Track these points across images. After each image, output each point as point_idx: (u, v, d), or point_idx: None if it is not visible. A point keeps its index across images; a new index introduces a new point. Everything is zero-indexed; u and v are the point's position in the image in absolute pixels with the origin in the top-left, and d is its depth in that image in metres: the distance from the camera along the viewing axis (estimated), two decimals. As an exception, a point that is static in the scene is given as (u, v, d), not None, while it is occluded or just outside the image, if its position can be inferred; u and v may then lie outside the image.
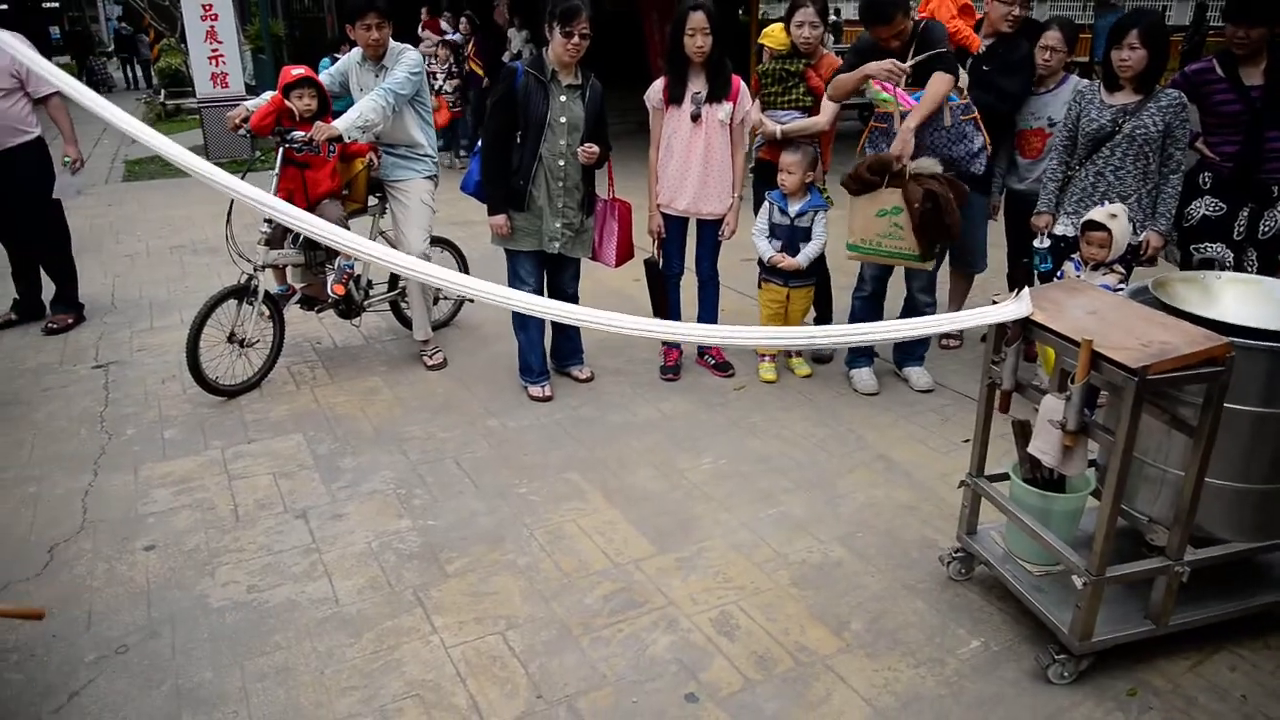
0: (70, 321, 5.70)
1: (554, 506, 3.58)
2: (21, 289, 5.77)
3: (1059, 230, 4.21)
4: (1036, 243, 4.26)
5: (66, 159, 5.55)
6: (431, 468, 3.87)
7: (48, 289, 5.80)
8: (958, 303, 5.09)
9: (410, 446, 4.06)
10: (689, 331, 3.09)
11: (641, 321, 2.84)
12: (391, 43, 4.63)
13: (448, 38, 11.25)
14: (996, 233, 5.04)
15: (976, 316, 2.77)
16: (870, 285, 4.49)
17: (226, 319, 4.44)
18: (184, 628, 2.92)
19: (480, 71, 11.11)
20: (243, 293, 4.43)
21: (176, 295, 6.23)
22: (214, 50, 11.84)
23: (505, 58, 12.89)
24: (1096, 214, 3.82)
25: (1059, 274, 4.06)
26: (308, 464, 3.92)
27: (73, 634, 2.91)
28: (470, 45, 11.24)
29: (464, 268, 5.54)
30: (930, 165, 4.03)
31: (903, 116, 4.05)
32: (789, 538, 3.37)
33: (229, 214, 4.43)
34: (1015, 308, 2.65)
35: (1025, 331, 2.68)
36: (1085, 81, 4.40)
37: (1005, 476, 2.95)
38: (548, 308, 2.99)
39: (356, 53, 4.69)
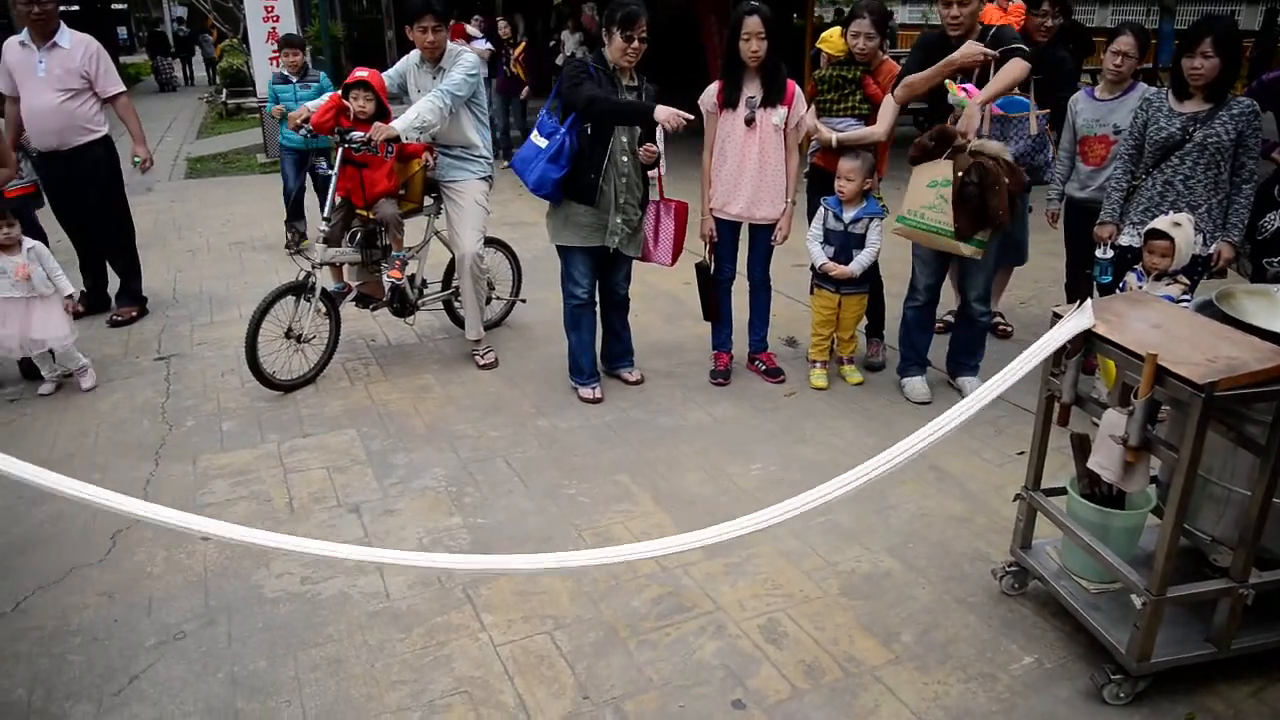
0: (134, 314, 5.85)
1: (603, 508, 3.59)
2: (89, 282, 5.94)
3: (1123, 241, 4.12)
4: (1099, 253, 4.18)
5: (136, 158, 5.70)
6: (482, 466, 3.91)
7: (113, 283, 5.96)
8: (995, 296, 5.02)
9: (461, 445, 4.10)
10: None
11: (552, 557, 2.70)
12: (449, 45, 4.69)
13: (476, 45, 10.50)
14: (1054, 241, 4.96)
15: (1033, 353, 2.65)
16: (924, 295, 4.44)
17: (284, 315, 4.52)
18: (239, 617, 2.98)
19: (523, 76, 11.04)
20: (300, 289, 4.51)
21: (235, 290, 6.35)
22: (275, 51, 12.08)
23: (558, 60, 12.97)
24: (1160, 223, 3.74)
25: (1120, 285, 3.98)
26: (361, 459, 3.98)
27: (133, 619, 2.99)
28: (518, 50, 11.19)
29: (517, 269, 5.58)
30: (998, 148, 3.94)
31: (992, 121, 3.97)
32: (838, 546, 3.34)
33: (287, 215, 4.52)
34: (1077, 320, 2.60)
35: (1086, 344, 2.63)
36: (1153, 89, 4.31)
37: (1062, 491, 2.89)
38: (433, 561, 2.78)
39: (415, 54, 4.76)
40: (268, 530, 3.41)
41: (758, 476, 3.83)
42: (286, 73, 7.10)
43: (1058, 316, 2.69)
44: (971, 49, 3.93)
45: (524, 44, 11.46)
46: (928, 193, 4.05)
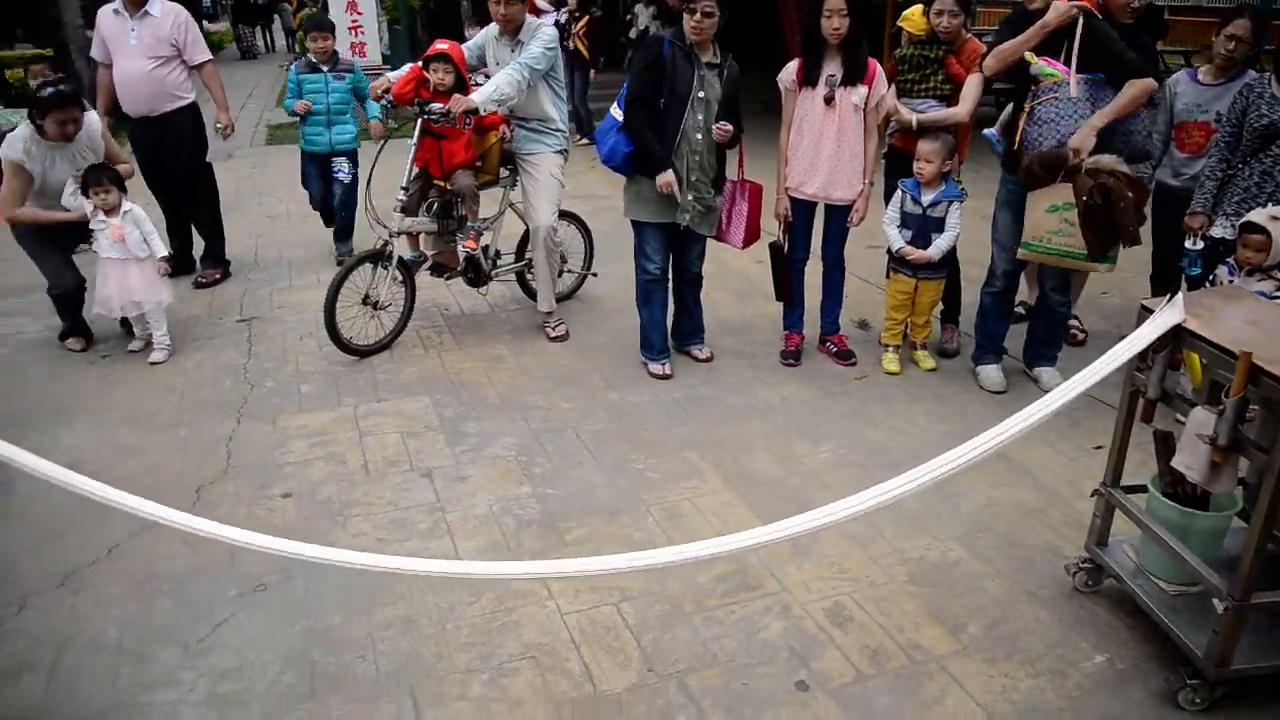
0: (217, 277, 6.02)
1: (671, 484, 3.61)
2: (175, 244, 6.12)
3: (1216, 232, 3.99)
4: (1189, 244, 4.05)
5: (219, 124, 5.84)
6: (552, 437, 3.96)
7: (198, 246, 6.13)
8: (1078, 286, 4.87)
9: (532, 415, 4.15)
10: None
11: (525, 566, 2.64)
12: (528, 18, 4.70)
13: (547, 18, 10.29)
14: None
15: (1122, 349, 2.58)
16: (1001, 281, 4.36)
17: (362, 282, 4.62)
18: (316, 573, 3.07)
19: (585, 51, 10.85)
20: (378, 257, 4.59)
21: (314, 256, 6.49)
22: (354, 20, 12.26)
23: (631, 35, 12.84)
24: (1256, 215, 3.60)
25: (1210, 279, 3.86)
26: (434, 425, 4.06)
27: (217, 570, 3.10)
28: (580, 24, 11.02)
29: (589, 242, 5.61)
30: (1111, 161, 3.81)
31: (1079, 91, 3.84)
32: (906, 533, 3.32)
33: (368, 181, 4.61)
34: (1168, 315, 2.53)
35: (1175, 339, 2.56)
36: (1255, 74, 4.14)
37: (1143, 488, 2.83)
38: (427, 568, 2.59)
39: (493, 27, 4.78)
40: (344, 490, 3.54)
41: (826, 459, 3.82)
42: (315, 59, 6.02)
43: (1146, 310, 2.62)
44: (1064, 8, 3.81)
45: (587, 19, 11.31)
46: (1049, 218, 3.93)
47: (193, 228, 6.14)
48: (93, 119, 4.80)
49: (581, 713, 2.51)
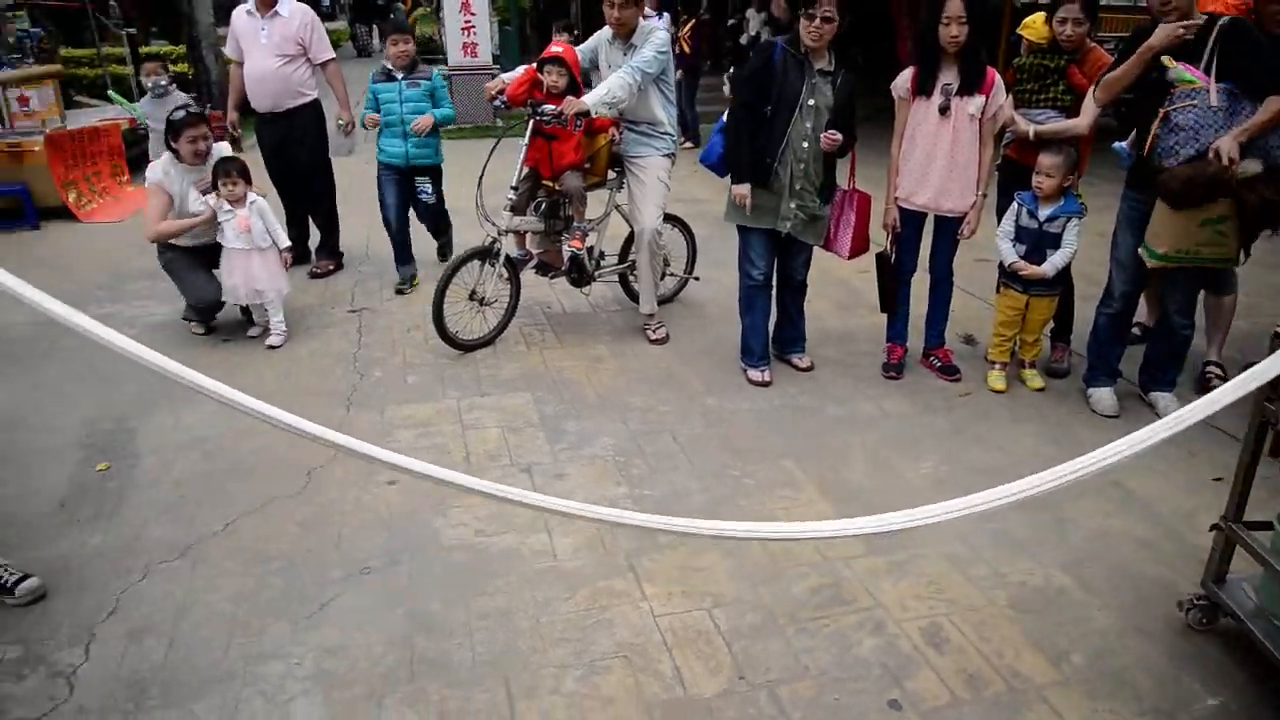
0: (331, 268, 6.25)
1: (767, 492, 3.60)
2: (292, 234, 6.37)
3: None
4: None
5: (340, 121, 6.06)
6: (650, 439, 3.98)
7: (313, 238, 6.38)
8: (1223, 328, 4.62)
9: (631, 417, 4.19)
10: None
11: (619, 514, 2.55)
12: (641, 21, 4.73)
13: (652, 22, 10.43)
14: (1269, 251, 4.59)
15: (1251, 377, 2.45)
16: (1120, 302, 4.20)
17: (470, 278, 4.73)
18: (419, 560, 3.17)
19: (688, 50, 10.83)
20: (486, 254, 4.70)
21: (421, 251, 6.65)
22: (467, 21, 12.52)
23: (742, 40, 12.84)
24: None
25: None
26: (534, 422, 4.13)
27: (324, 551, 3.22)
28: (686, 27, 11.04)
29: (692, 246, 5.62)
30: (1252, 167, 3.66)
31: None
32: (1008, 557, 3.23)
33: (480, 180, 4.72)
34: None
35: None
36: None
37: (1268, 525, 2.70)
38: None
39: (607, 30, 4.83)
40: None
41: (927, 476, 3.75)
42: (391, 66, 5.67)
43: (1279, 337, 2.50)
44: (1169, 29, 3.65)
45: (693, 21, 11.33)
46: (1200, 231, 3.75)
47: (310, 220, 6.38)
48: (221, 148, 5.04)
49: (672, 715, 2.52)
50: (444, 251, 6.43)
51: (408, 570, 3.12)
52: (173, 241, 4.97)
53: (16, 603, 2.93)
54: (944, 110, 4.11)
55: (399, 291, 5.88)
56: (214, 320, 5.21)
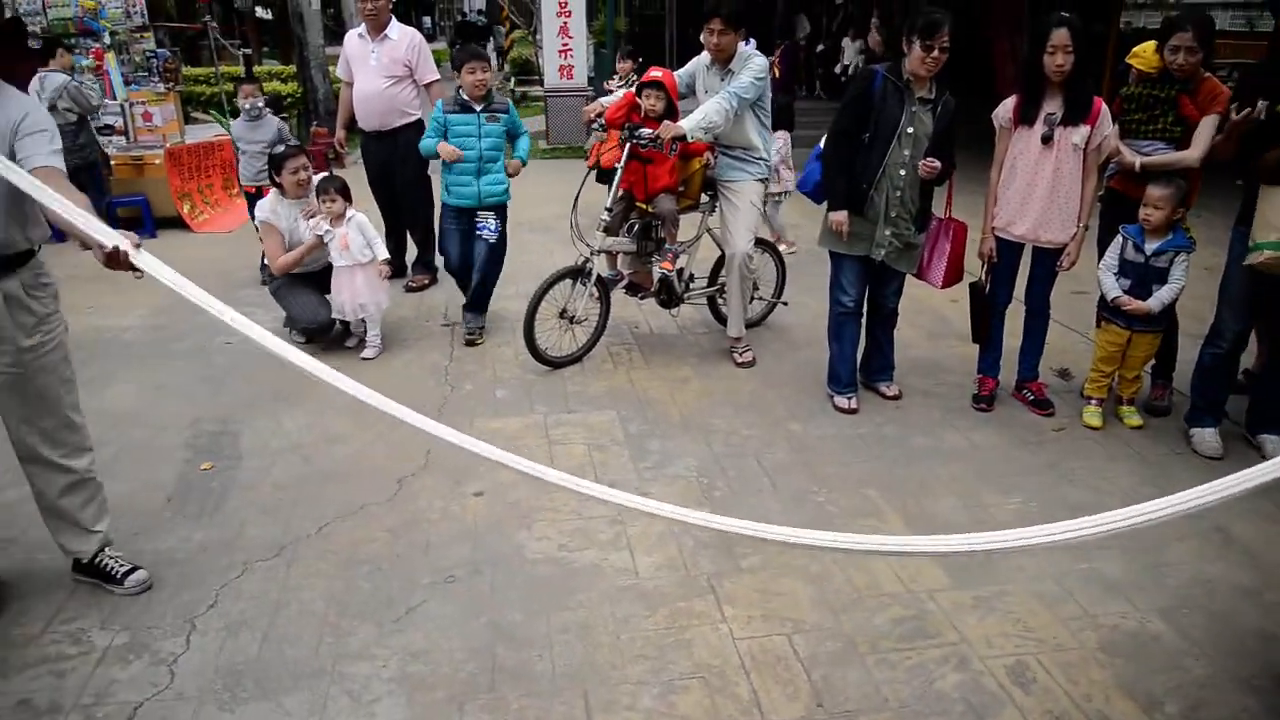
0: (426, 282, 6.44)
1: (850, 520, 3.57)
2: (391, 249, 6.58)
3: None
4: None
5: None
6: (733, 462, 3.99)
7: (410, 253, 6.58)
8: None
9: (714, 439, 4.20)
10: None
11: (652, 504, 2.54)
12: (740, 47, 4.77)
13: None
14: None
15: None
16: (1229, 342, 4.04)
17: (561, 296, 4.82)
18: (502, 571, 3.23)
19: (778, 74, 10.87)
20: (578, 274, 4.78)
21: (513, 269, 6.74)
22: (564, 44, 12.77)
23: (836, 70, 12.83)
24: None
25: None
26: (619, 440, 4.18)
27: (412, 557, 3.31)
28: (776, 52, 11.12)
29: (782, 271, 5.62)
30: None
31: None
32: (1100, 599, 3.14)
33: (575, 201, 4.81)
34: None
35: None
36: None
37: (1384, 578, 2.57)
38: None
39: (705, 55, 4.89)
40: (531, 494, 3.69)
41: (1016, 511, 3.67)
42: (467, 96, 5.07)
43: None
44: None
45: (780, 46, 11.40)
46: None
47: (408, 235, 6.58)
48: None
49: (748, 739, 2.52)
50: (477, 303, 5.43)
51: (491, 581, 3.18)
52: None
53: (125, 593, 3.09)
54: (1047, 140, 4.03)
55: (470, 343, 5.32)
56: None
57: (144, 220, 8.05)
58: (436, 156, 5.11)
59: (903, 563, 3.29)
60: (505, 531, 3.47)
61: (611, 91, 6.78)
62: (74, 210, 2.46)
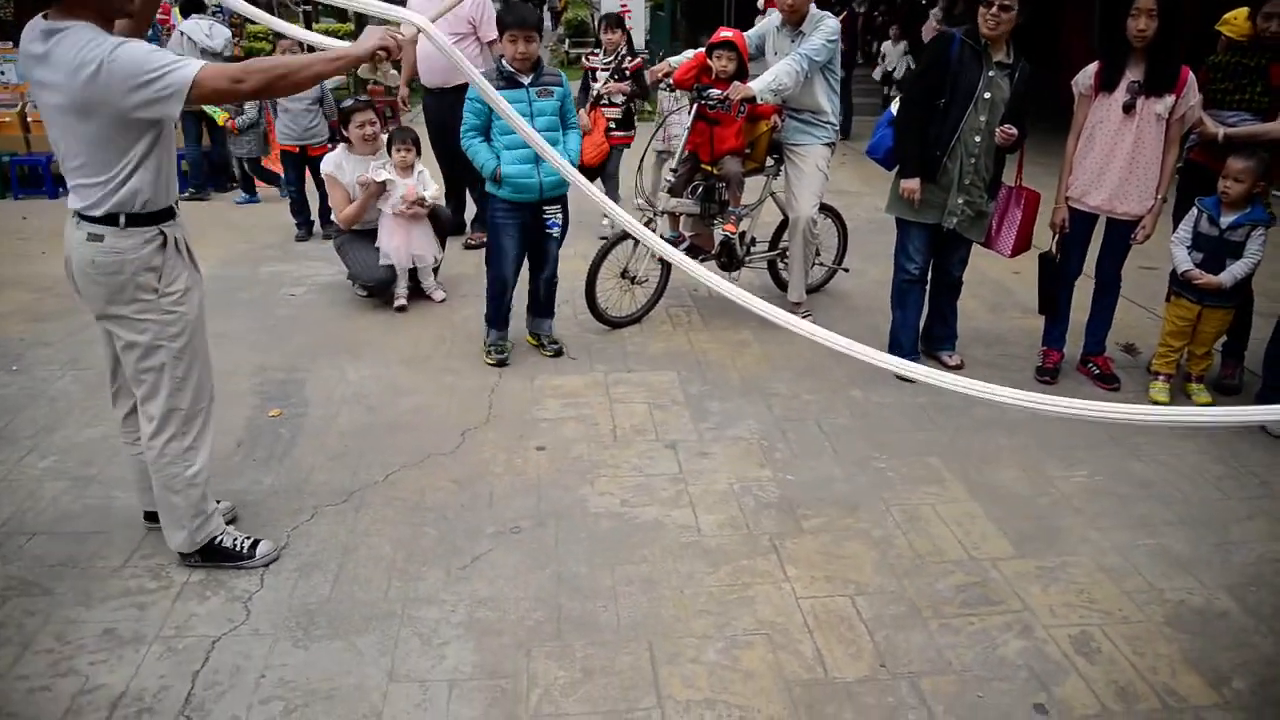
0: (485, 239, 6.45)
1: (911, 487, 3.56)
2: (451, 207, 6.63)
3: None
4: None
5: None
6: (794, 426, 3.99)
7: (470, 212, 6.62)
8: None
9: (774, 402, 4.20)
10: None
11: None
12: (811, 9, 4.71)
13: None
14: None
15: None
16: (1307, 316, 3.96)
17: (623, 256, 4.82)
18: (566, 524, 3.28)
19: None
20: (641, 234, 4.77)
21: (573, 230, 6.80)
22: (623, 5, 12.65)
23: (876, 75, 12.33)
24: None
25: None
26: (679, 400, 4.20)
27: (477, 508, 3.37)
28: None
29: (844, 237, 5.57)
30: None
31: None
32: (1166, 573, 3.10)
33: (641, 161, 4.80)
34: None
35: None
36: None
37: None
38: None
39: (775, 16, 4.84)
40: (593, 450, 3.73)
41: (1081, 484, 3.63)
42: (512, 68, 4.22)
43: None
44: None
45: (844, 14, 11.15)
46: None
47: (467, 193, 6.61)
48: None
49: (811, 695, 2.54)
50: (545, 309, 4.70)
51: (555, 533, 3.22)
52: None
53: (255, 565, 3.02)
54: (1128, 109, 3.94)
55: (499, 362, 4.51)
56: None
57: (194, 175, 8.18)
58: (495, 179, 4.31)
59: (966, 530, 3.28)
60: (568, 486, 3.51)
61: (596, 71, 6.48)
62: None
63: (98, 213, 2.62)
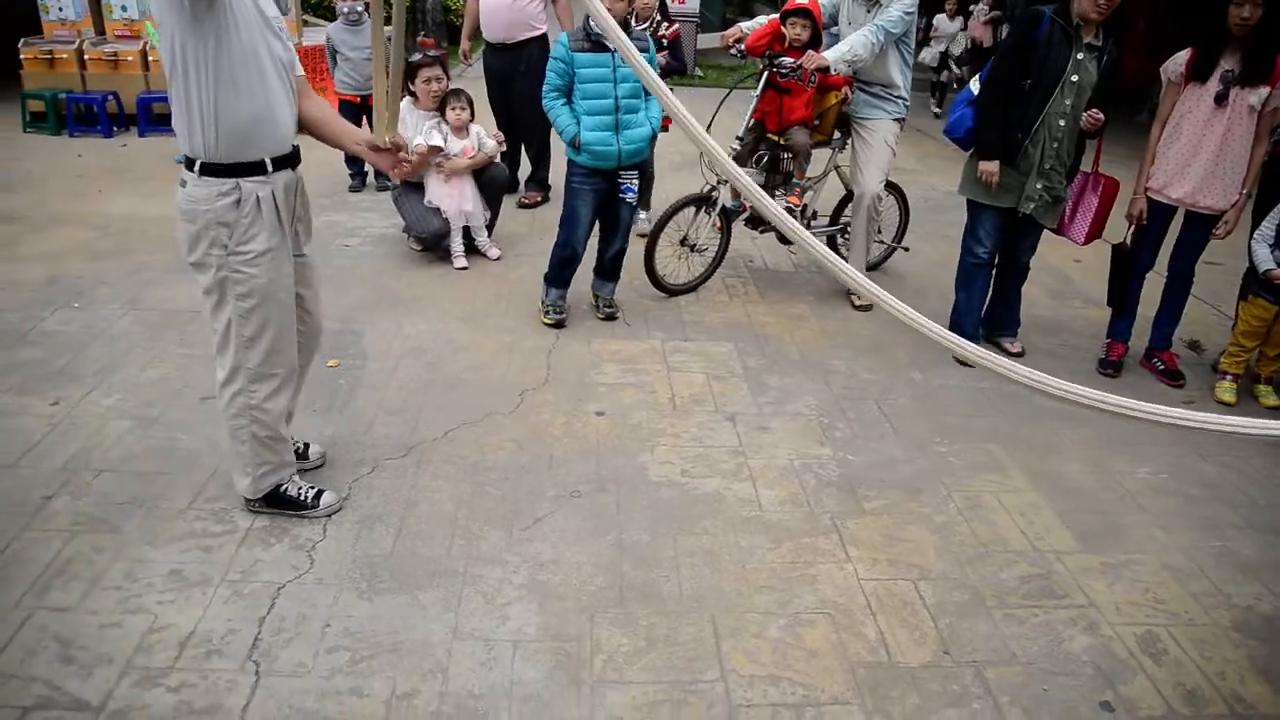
0: (538, 199, 6.43)
1: (973, 473, 3.52)
2: (506, 164, 6.58)
3: None
4: None
5: None
6: (854, 404, 3.95)
7: (523, 170, 6.57)
8: None
9: (834, 379, 4.16)
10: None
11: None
12: (888, -22, 4.59)
13: None
14: None
15: None
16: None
17: (683, 223, 4.77)
18: (626, 491, 3.27)
19: None
20: (703, 202, 4.72)
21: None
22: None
23: (927, 58, 11.44)
24: None
25: None
26: (737, 372, 4.16)
27: (538, 470, 3.37)
28: None
29: (905, 215, 5.49)
30: None
31: None
32: (1234, 578, 3.06)
33: (707, 127, 4.71)
34: None
35: None
36: None
37: None
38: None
39: (851, -15, 4.72)
40: (652, 418, 3.71)
41: (1145, 481, 3.58)
42: (596, 30, 4.07)
43: None
44: None
45: None
46: None
47: (522, 150, 6.57)
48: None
49: (876, 677, 2.53)
50: (611, 272, 4.66)
51: (615, 499, 3.22)
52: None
53: (317, 516, 3.04)
54: (1220, 99, 3.82)
55: (556, 323, 4.49)
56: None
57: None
58: (574, 145, 4.24)
59: (1030, 521, 3.25)
60: (628, 452, 3.50)
61: None
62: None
63: (179, 156, 2.60)
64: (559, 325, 4.49)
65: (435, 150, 5.07)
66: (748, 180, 2.24)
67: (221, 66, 2.44)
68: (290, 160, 2.71)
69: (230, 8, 2.41)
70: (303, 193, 2.84)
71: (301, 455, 3.21)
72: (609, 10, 3.92)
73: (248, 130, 2.55)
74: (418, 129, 5.12)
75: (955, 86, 11.07)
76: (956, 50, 11.36)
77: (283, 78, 2.61)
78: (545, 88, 4.26)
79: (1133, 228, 4.22)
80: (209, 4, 2.35)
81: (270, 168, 2.63)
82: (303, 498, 3.04)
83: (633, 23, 4.32)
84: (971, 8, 11.76)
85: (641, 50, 4.10)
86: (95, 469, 3.23)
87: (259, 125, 2.58)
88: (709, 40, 13.81)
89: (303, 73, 2.77)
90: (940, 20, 11.37)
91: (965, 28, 11.40)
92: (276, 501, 3.03)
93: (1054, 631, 2.75)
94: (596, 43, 4.12)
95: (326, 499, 3.07)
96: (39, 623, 2.53)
